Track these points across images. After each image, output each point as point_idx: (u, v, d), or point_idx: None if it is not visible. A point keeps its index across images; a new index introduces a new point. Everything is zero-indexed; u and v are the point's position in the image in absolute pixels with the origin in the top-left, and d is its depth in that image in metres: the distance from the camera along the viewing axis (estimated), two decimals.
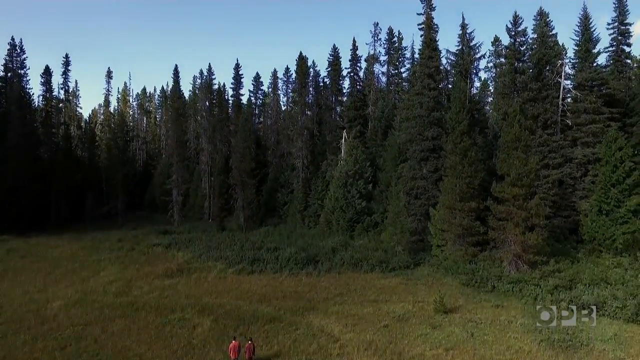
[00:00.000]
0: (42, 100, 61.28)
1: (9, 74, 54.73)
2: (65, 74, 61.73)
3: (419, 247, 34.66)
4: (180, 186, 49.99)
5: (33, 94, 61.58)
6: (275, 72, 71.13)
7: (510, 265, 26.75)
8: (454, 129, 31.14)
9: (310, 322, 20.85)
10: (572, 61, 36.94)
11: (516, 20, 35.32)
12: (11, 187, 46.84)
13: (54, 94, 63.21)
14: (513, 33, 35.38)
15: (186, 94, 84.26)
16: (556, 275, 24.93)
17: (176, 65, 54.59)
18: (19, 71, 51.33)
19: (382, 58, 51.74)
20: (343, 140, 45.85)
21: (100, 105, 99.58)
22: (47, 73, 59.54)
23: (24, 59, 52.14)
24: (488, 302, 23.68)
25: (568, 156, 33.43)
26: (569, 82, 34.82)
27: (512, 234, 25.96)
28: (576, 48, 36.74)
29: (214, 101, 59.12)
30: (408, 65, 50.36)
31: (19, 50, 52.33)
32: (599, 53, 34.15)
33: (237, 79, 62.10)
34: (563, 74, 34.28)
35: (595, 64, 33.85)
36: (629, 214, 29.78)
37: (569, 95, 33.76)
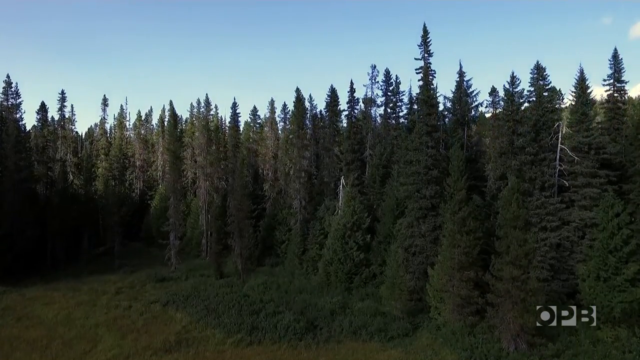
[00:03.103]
0: (38, 136, 61.14)
1: (4, 112, 54.40)
2: (62, 109, 61.51)
3: (417, 307, 34.64)
4: (178, 230, 49.81)
5: (27, 128, 61.43)
6: (272, 102, 71.13)
7: (509, 343, 26.75)
8: (452, 196, 31.19)
9: None
10: (569, 117, 37.13)
11: (513, 80, 35.54)
12: (6, 233, 46.46)
13: (49, 127, 63.16)
14: (510, 93, 35.54)
15: (183, 114, 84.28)
16: None
17: (173, 107, 54.46)
18: (15, 115, 50.94)
19: (380, 100, 51.93)
20: (341, 186, 45.84)
21: (96, 124, 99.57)
22: (42, 109, 59.37)
23: (20, 103, 51.83)
24: None
25: (565, 219, 33.54)
26: (565, 141, 34.95)
27: (511, 315, 25.96)
28: (573, 103, 36.99)
29: (212, 138, 59.02)
30: (406, 110, 50.52)
31: (14, 93, 51.92)
32: (595, 115, 34.33)
33: (235, 118, 62.10)
34: (560, 134, 34.42)
35: (591, 127, 33.97)
36: (627, 283, 29.88)
37: (565, 157, 33.82)
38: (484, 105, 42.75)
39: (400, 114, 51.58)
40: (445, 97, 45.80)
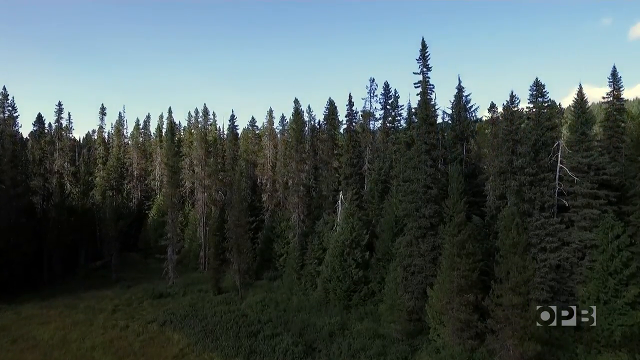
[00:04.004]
0: (35, 148, 60.79)
1: (0, 125, 53.99)
2: (59, 120, 61.14)
3: (416, 328, 34.37)
4: (175, 244, 49.50)
5: (24, 136, 61.05)
6: (270, 112, 70.87)
7: None
8: (451, 218, 30.97)
9: None
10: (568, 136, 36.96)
11: (512, 99, 35.34)
12: (2, 249, 46.01)
13: (46, 138, 62.78)
14: (509, 113, 35.36)
15: (182, 120, 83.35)
16: None
17: (171, 116, 54.22)
18: (12, 128, 50.61)
19: (379, 113, 51.78)
20: (339, 202, 45.61)
21: (94, 131, 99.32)
22: (39, 121, 59.03)
23: (17, 116, 51.46)
24: None
25: (565, 240, 33.32)
26: (565, 160, 34.75)
27: (511, 341, 25.75)
28: (573, 117, 36.77)
29: (210, 150, 58.77)
30: (405, 124, 50.28)
31: (10, 105, 51.55)
32: (595, 135, 34.14)
33: (233, 130, 61.79)
34: (560, 154, 34.22)
35: (591, 147, 33.79)
36: (627, 307, 29.67)
37: (565, 177, 33.63)
38: (483, 121, 42.56)
39: (400, 127, 51.36)
40: (444, 112, 45.82)
